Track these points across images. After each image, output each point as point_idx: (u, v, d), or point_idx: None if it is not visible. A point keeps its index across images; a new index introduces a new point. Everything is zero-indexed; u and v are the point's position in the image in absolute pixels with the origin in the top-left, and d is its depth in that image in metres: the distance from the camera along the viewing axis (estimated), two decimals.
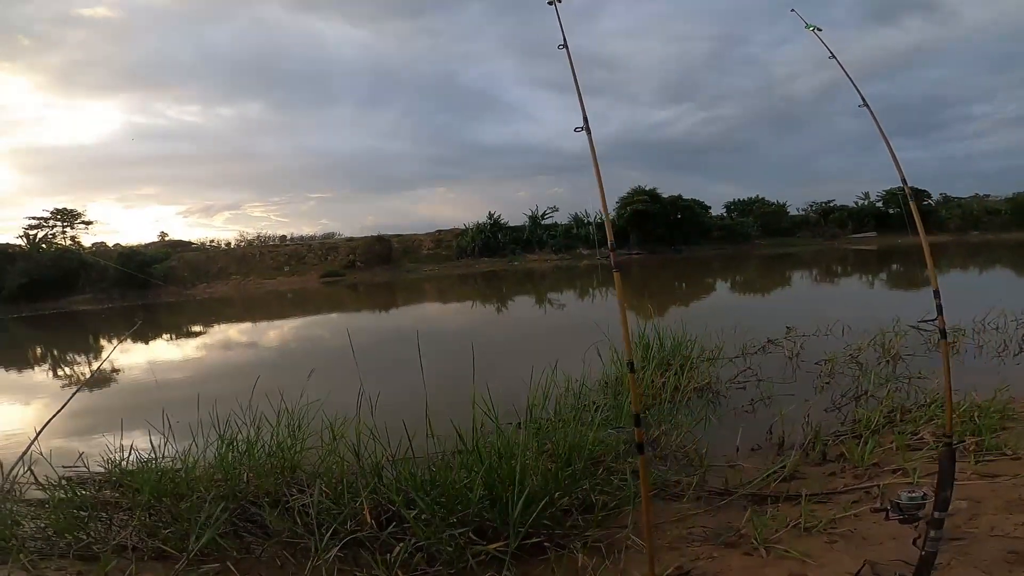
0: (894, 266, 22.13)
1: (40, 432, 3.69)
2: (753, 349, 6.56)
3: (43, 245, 34.09)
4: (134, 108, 69.67)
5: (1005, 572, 1.98)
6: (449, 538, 2.40)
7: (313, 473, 3.09)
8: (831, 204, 43.46)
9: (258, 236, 43.57)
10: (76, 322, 22.77)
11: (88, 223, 36.63)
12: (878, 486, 2.86)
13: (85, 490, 3.29)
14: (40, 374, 11.72)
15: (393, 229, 40.70)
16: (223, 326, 18.21)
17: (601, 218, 1.79)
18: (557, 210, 39.65)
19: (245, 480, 3.05)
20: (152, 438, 3.50)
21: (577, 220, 39.06)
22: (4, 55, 61.64)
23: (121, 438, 3.60)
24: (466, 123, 78.74)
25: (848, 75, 2.04)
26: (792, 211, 43.29)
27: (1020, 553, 2.08)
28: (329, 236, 42.87)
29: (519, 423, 3.67)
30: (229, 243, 41.85)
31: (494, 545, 2.39)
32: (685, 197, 38.33)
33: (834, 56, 2.10)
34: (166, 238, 42.27)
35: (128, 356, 11.88)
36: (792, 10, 2.30)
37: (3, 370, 12.31)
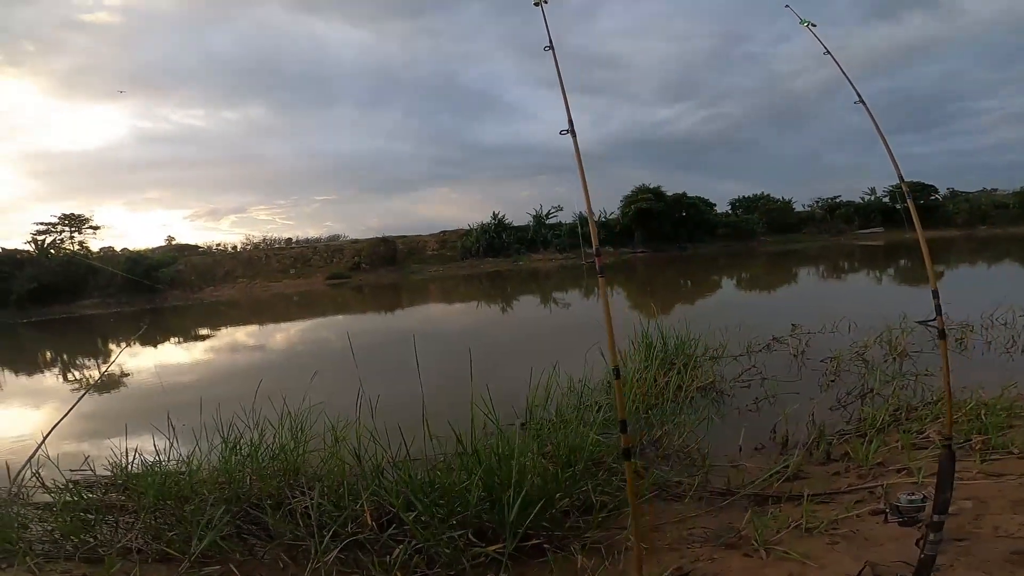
0: (901, 262, 21.91)
1: (47, 436, 3.72)
2: (758, 347, 6.53)
3: (51, 251, 34.40)
4: (138, 112, 70.17)
5: (1008, 573, 1.96)
6: (448, 540, 2.41)
7: (315, 476, 3.11)
8: (837, 200, 43.05)
9: (264, 239, 43.51)
10: (84, 326, 22.99)
11: (96, 228, 36.95)
12: (882, 486, 2.82)
13: (91, 493, 3.33)
14: (49, 378, 11.87)
15: (397, 230, 40.72)
16: (229, 329, 18.31)
17: (599, 218, 1.79)
18: (561, 209, 39.47)
19: (248, 483, 3.07)
20: (157, 442, 3.53)
21: (582, 219, 38.96)
22: (9, 60, 62.25)
23: (126, 441, 3.63)
24: (467, 123, 78.67)
25: (843, 70, 2.03)
26: (798, 207, 43.02)
27: None
28: (334, 238, 42.94)
29: (521, 423, 3.67)
30: (235, 246, 41.83)
31: (493, 547, 2.39)
32: (690, 195, 38.22)
33: (828, 52, 2.08)
34: (173, 242, 42.47)
35: (135, 360, 11.99)
36: (786, 6, 2.28)
37: (13, 374, 12.46)
